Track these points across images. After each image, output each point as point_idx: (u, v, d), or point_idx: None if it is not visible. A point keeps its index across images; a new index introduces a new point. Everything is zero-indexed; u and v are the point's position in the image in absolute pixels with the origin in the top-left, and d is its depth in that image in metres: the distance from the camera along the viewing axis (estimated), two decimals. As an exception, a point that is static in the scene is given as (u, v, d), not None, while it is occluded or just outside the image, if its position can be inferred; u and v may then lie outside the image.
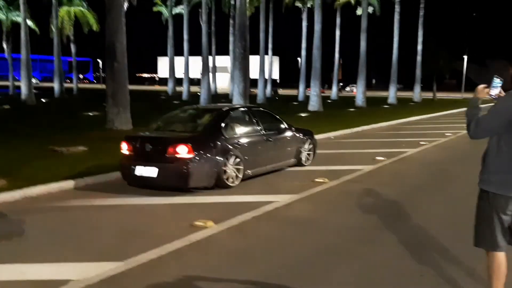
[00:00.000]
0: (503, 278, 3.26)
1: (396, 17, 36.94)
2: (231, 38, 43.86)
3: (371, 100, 36.68)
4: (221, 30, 54.22)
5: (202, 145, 7.33)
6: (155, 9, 47.91)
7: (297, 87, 42.62)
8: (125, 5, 36.46)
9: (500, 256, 3.25)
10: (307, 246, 4.98)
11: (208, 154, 7.37)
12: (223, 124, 7.84)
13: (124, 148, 7.68)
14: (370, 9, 41.25)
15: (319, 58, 26.56)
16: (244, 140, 8.11)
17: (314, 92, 26.88)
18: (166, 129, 8.13)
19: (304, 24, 40.22)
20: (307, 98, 32.76)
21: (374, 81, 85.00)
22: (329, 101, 39.85)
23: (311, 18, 28.69)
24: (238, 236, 5.34)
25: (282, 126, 9.37)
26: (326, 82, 73.86)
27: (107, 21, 14.62)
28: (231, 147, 7.69)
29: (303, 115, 23.22)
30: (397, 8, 36.97)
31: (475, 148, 13.43)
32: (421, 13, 39.80)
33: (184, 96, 39.12)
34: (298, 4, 42.99)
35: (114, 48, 14.32)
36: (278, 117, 9.55)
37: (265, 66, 40.82)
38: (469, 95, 50.25)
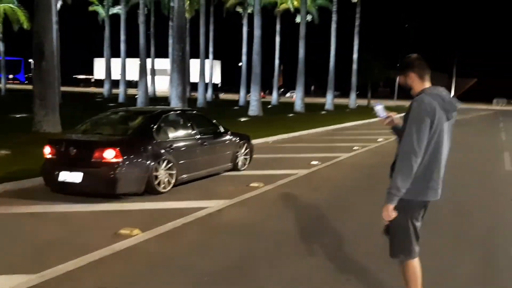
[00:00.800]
0: (420, 280, 3.31)
1: (333, 26, 38.03)
2: (170, 41, 43.15)
3: (310, 106, 37.43)
4: (160, 32, 53.25)
5: (131, 149, 7.02)
6: (91, 8, 46.14)
7: (239, 92, 42.70)
8: (59, 3, 34.86)
9: (416, 262, 3.30)
10: (236, 253, 4.87)
11: (137, 159, 7.07)
12: (154, 127, 7.57)
13: (48, 152, 7.21)
14: (309, 17, 42.23)
15: (259, 64, 26.72)
16: (177, 144, 7.88)
17: (254, 97, 27.00)
18: (94, 132, 7.73)
19: (245, 29, 40.39)
20: (248, 102, 32.84)
21: (313, 87, 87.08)
22: (269, 106, 40.21)
23: (252, 23, 28.80)
24: (165, 244, 5.12)
25: (218, 130, 9.24)
26: (267, 88, 74.78)
27: (35, 18, 13.82)
28: (163, 151, 7.44)
29: (242, 119, 23.23)
30: (334, 17, 38.07)
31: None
32: (357, 23, 41.23)
33: (121, 98, 37.94)
34: (239, 9, 43.16)
35: (42, 46, 13.54)
36: (214, 121, 9.41)
37: (206, 70, 40.54)
38: (401, 103, 52.27)
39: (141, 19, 30.42)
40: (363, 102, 51.49)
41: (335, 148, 13.86)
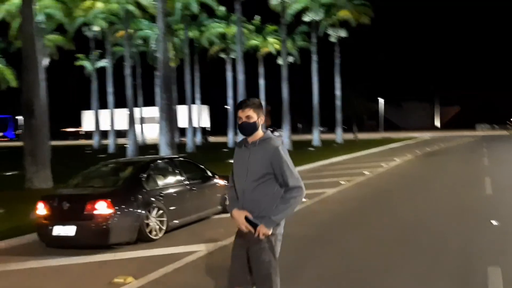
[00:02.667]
0: None
1: (314, 66, 39.17)
2: (157, 90, 44.00)
3: (297, 144, 37.98)
4: (147, 81, 54.28)
5: (122, 199, 7.28)
6: (77, 63, 47.14)
7: (226, 134, 43.34)
8: (47, 60, 35.67)
9: None
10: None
11: (128, 208, 7.31)
12: (144, 177, 7.85)
13: (41, 208, 7.43)
14: (291, 59, 43.52)
15: (244, 106, 27.37)
16: (167, 191, 8.15)
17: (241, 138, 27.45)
18: (85, 185, 7.99)
19: (229, 74, 41.47)
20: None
21: (300, 125, 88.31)
22: (258, 146, 40.70)
23: (236, 67, 29.68)
24: (158, 289, 5.31)
25: (206, 174, 9.54)
26: (255, 128, 75.75)
27: (23, 78, 14.29)
28: (153, 199, 7.69)
29: (231, 161, 23.49)
30: (314, 58, 39.29)
31: (389, 185, 14.26)
32: (337, 61, 42.55)
33: (111, 149, 38.19)
34: (223, 55, 44.42)
35: (32, 105, 13.95)
36: (202, 166, 9.72)
37: (195, 115, 41.25)
38: (387, 135, 52.98)
39: (127, 71, 31.23)
40: (351, 136, 52.28)
41: (322, 184, 14.15)
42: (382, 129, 71.07)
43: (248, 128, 3.38)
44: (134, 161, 8.94)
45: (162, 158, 9.26)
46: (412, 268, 5.69)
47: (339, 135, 44.26)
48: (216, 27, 40.70)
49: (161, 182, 8.24)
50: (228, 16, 40.98)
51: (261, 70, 45.47)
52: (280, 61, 39.98)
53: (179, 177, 8.68)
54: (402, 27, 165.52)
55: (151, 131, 63.76)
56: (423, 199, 10.98)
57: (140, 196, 7.53)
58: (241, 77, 27.14)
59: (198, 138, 47.55)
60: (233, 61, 41.83)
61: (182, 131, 52.63)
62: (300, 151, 31.44)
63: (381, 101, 69.45)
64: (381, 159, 23.61)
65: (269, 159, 3.31)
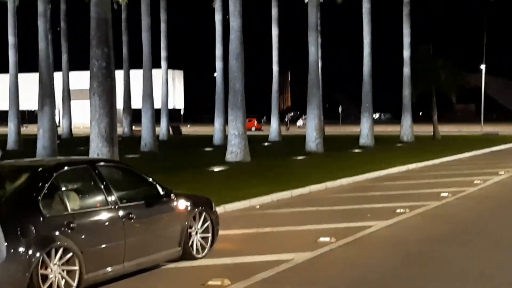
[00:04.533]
0: None
1: (366, 5, 38.74)
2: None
3: (336, 141, 38.01)
4: (80, 28, 54.42)
5: (-1, 232, 7.22)
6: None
7: (212, 122, 43.22)
8: None
9: None
10: None
11: (11, 248, 7.24)
12: (40, 194, 7.79)
13: None
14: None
15: (241, 74, 27.20)
16: (82, 220, 8.08)
17: (234, 130, 27.32)
18: None
19: (218, 17, 41.29)
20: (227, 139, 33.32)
21: (340, 108, 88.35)
22: (265, 144, 40.70)
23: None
24: None
25: (155, 192, 9.48)
26: (265, 113, 75.64)
27: None
28: (56, 234, 7.62)
29: (217, 169, 23.54)
30: (366, -6, 38.98)
31: (479, 217, 14.20)
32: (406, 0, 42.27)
33: (10, 141, 38.24)
34: (208, -15, 44.39)
35: None
36: (148, 178, 9.67)
37: (159, 88, 41.16)
38: (491, 128, 53.13)
39: (40, 8, 31.17)
40: (427, 130, 52.00)
41: (364, 212, 14.08)
42: (483, 117, 70.81)
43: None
44: (28, 166, 8.86)
45: (74, 163, 9.21)
46: None
47: (406, 128, 44.03)
48: None
49: (72, 203, 8.17)
50: None
51: (274, 11, 45.38)
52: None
53: (104, 197, 8.61)
54: None
55: (83, 113, 64.01)
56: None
57: (32, 228, 7.46)
58: (235, 23, 26.86)
59: (163, 128, 47.64)
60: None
61: (138, 116, 52.85)
62: (338, 154, 31.35)
63: (482, 71, 69.15)
64: (474, 171, 23.49)
65: None
